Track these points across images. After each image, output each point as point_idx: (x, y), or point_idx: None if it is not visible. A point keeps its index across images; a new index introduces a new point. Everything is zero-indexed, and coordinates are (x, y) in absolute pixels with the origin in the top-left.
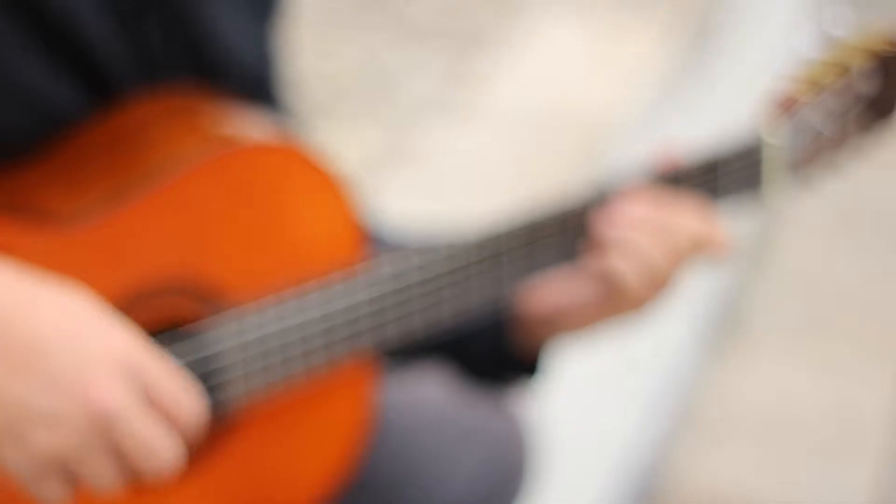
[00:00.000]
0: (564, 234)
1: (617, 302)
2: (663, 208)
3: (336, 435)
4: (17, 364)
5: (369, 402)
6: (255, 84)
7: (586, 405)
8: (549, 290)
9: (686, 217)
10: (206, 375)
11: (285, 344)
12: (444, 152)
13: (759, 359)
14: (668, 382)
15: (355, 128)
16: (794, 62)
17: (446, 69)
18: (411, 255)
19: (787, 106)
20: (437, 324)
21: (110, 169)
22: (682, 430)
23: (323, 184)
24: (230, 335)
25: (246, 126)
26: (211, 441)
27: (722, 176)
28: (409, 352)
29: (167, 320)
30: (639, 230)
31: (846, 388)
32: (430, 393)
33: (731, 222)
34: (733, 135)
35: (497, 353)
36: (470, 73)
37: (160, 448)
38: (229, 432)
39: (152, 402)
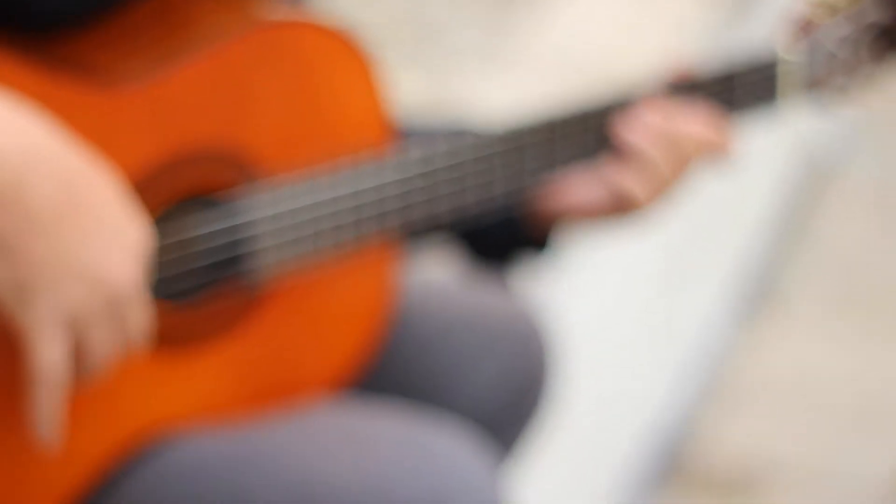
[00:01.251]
0: (585, 133)
1: (623, 209)
2: (677, 119)
3: (358, 316)
4: (75, 222)
5: (392, 286)
6: None
7: (618, 368)
8: (562, 189)
9: (697, 126)
10: (238, 243)
11: (316, 217)
12: (485, 101)
13: (791, 329)
14: (700, 349)
15: (396, 75)
16: None
17: (488, 21)
18: (439, 142)
19: (803, 26)
20: (462, 209)
21: (157, 38)
22: (712, 396)
23: (358, 67)
24: (263, 205)
25: (284, 7)
26: (238, 313)
27: (738, 87)
28: (426, 230)
29: (202, 186)
30: (652, 141)
31: (876, 361)
32: (453, 296)
33: (768, 196)
34: (750, 50)
35: (508, 231)
36: (511, 24)
37: (145, 332)
38: (257, 305)
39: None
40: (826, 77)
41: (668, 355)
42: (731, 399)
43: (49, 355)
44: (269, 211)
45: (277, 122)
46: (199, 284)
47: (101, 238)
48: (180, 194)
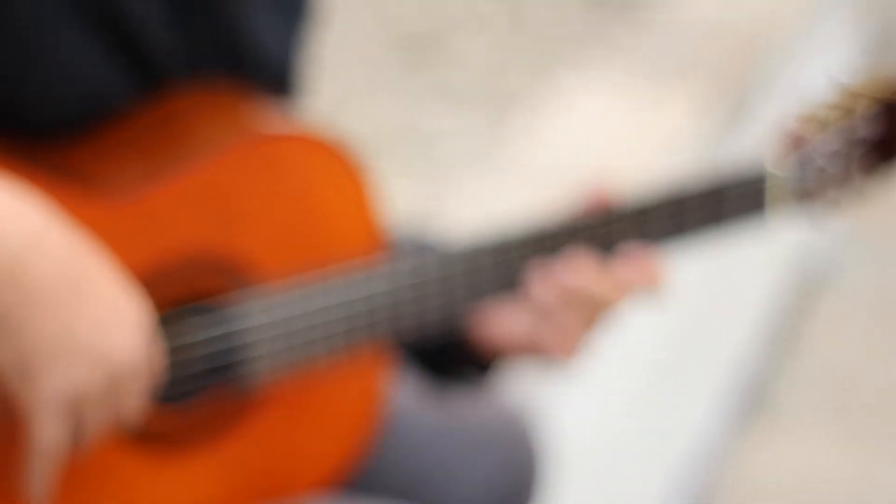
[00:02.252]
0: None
1: (537, 353)
2: (588, 274)
3: (349, 418)
4: (80, 302)
5: (382, 389)
6: (282, 80)
7: (610, 476)
8: (490, 318)
9: (619, 283)
10: (232, 350)
11: (309, 326)
12: (478, 210)
13: (785, 437)
14: (694, 458)
15: (391, 185)
16: (803, 103)
17: (483, 131)
18: (429, 252)
19: (793, 141)
20: (452, 318)
21: (153, 149)
22: None
23: (349, 178)
24: (256, 313)
25: (277, 118)
26: (233, 416)
27: (726, 201)
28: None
29: (196, 293)
30: (563, 300)
31: (870, 469)
32: (443, 400)
33: (762, 305)
34: (739, 164)
35: (457, 352)
36: (506, 135)
37: (141, 406)
38: (251, 409)
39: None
40: (817, 191)
41: (661, 466)
42: None
43: (50, 432)
44: (263, 318)
45: (270, 230)
46: (194, 389)
47: (101, 315)
48: (174, 301)
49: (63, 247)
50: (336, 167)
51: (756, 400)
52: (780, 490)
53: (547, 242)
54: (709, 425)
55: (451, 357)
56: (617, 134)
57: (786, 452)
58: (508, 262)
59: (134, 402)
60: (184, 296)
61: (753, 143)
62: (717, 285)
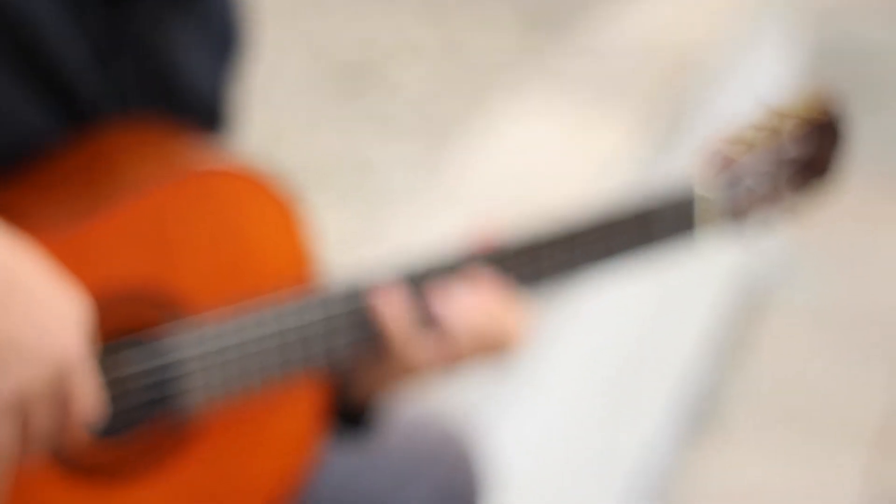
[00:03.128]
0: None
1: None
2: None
3: (289, 442)
4: (10, 304)
5: (322, 412)
6: (213, 115)
7: (561, 491)
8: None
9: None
10: (165, 382)
11: (243, 356)
12: (416, 235)
13: (733, 448)
14: (644, 471)
15: (328, 214)
16: (731, 124)
17: (420, 159)
18: (362, 279)
19: (721, 163)
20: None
21: (82, 187)
22: None
23: (279, 210)
24: (190, 344)
25: (208, 154)
26: (173, 447)
27: (654, 223)
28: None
29: (129, 326)
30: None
31: (817, 479)
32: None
33: (707, 320)
34: (668, 186)
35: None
36: (442, 162)
37: (98, 400)
38: (190, 439)
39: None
40: (746, 210)
41: (611, 481)
42: None
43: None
44: (197, 350)
45: (203, 263)
46: (132, 421)
47: (39, 315)
48: (107, 335)
49: None
50: (266, 200)
51: (704, 412)
52: (729, 500)
53: (416, 279)
54: (658, 438)
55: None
56: (552, 158)
57: (734, 462)
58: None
59: (86, 399)
60: (118, 330)
61: (688, 163)
62: (664, 301)
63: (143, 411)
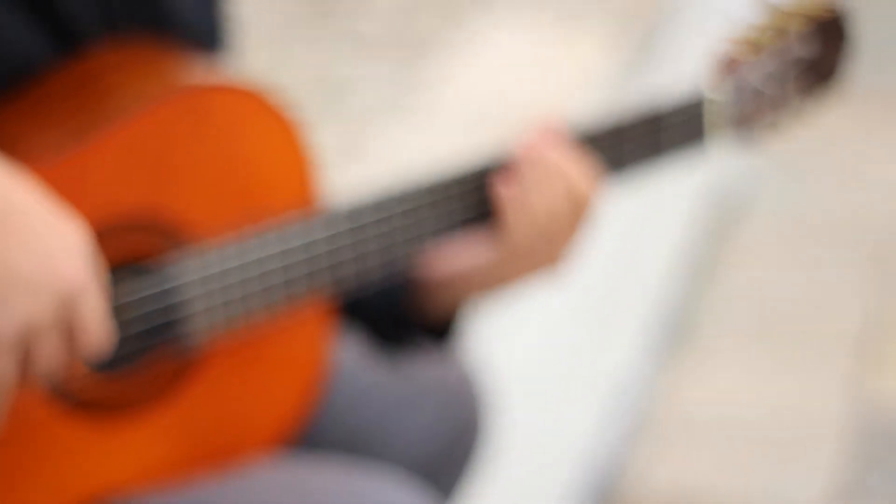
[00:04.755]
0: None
1: (510, 260)
2: (554, 159)
3: (294, 376)
4: (9, 234)
5: (327, 344)
6: (205, 38)
7: (542, 411)
8: (446, 255)
9: (570, 172)
10: (169, 309)
11: (245, 279)
12: (396, 153)
13: (709, 364)
14: (622, 389)
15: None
16: (735, 26)
17: (396, 77)
18: (366, 197)
19: (728, 65)
20: (392, 264)
21: (74, 109)
22: (637, 435)
23: (279, 125)
24: (191, 270)
25: (203, 71)
26: (173, 378)
27: (664, 129)
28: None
29: (130, 255)
30: (527, 181)
31: (795, 391)
32: (380, 353)
33: (680, 234)
34: (675, 91)
35: (393, 315)
36: (419, 79)
37: (106, 327)
38: (191, 370)
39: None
40: (754, 114)
41: (594, 396)
42: (656, 436)
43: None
44: (199, 275)
45: (203, 186)
46: (134, 351)
47: (38, 243)
48: (108, 264)
49: None
50: (267, 117)
51: (680, 329)
52: (707, 417)
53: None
54: (634, 358)
55: (405, 327)
56: (529, 73)
57: (711, 380)
58: (448, 199)
59: (94, 328)
60: (118, 258)
61: (665, 70)
62: (636, 219)
63: (145, 340)
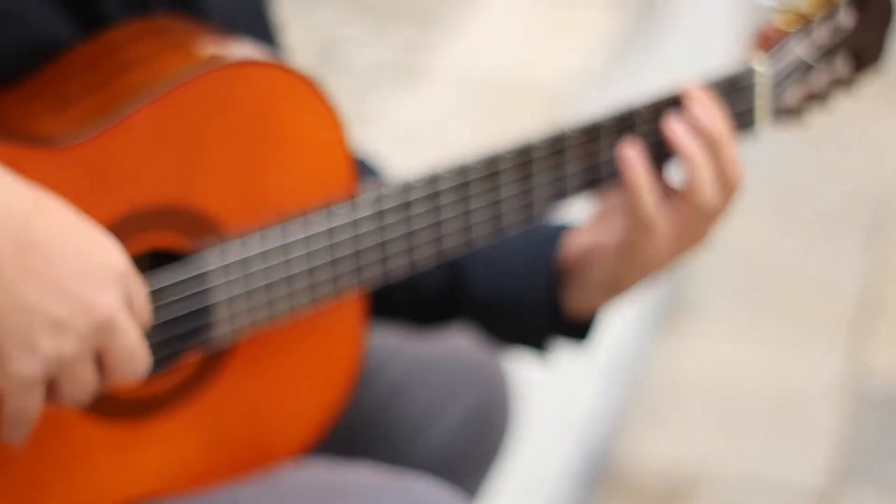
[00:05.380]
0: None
1: (643, 241)
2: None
3: (329, 375)
4: (28, 270)
5: (361, 341)
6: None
7: (538, 385)
8: (580, 232)
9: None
10: (193, 303)
11: (269, 268)
12: (400, 116)
13: (703, 336)
14: (617, 361)
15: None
16: None
17: (399, 40)
18: (416, 183)
19: (775, 36)
20: (443, 253)
21: (94, 86)
22: (633, 406)
23: (315, 104)
24: (215, 257)
25: (233, 46)
26: (202, 375)
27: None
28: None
29: (158, 245)
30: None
31: (791, 361)
32: (407, 349)
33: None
34: (722, 66)
35: (551, 317)
36: (423, 42)
37: (141, 354)
38: (219, 368)
39: (133, 313)
40: (802, 88)
41: (591, 369)
42: (653, 408)
43: (21, 406)
44: (222, 271)
45: (231, 174)
46: (159, 346)
47: (64, 278)
48: (133, 255)
49: (6, 213)
50: (302, 96)
51: (677, 299)
52: (702, 384)
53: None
54: (632, 329)
55: (554, 322)
56: (531, 38)
57: (704, 348)
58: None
59: (128, 350)
60: (145, 249)
61: (668, 36)
62: None
63: (173, 345)
